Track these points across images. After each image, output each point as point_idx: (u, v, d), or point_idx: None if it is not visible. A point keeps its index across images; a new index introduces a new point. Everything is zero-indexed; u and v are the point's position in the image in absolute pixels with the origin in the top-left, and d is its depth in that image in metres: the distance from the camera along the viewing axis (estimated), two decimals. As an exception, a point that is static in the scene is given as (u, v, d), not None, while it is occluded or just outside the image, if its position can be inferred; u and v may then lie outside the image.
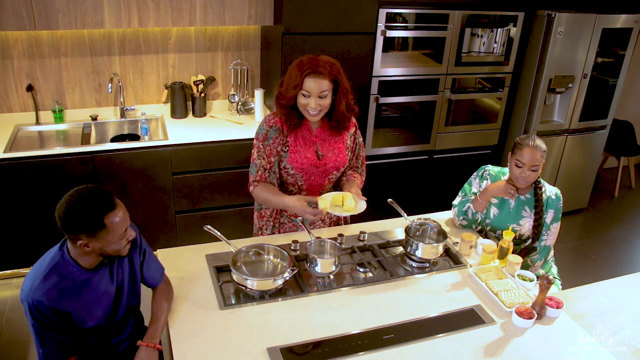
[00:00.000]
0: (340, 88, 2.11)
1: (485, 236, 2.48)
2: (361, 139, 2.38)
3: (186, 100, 3.64)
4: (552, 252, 2.50)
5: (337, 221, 2.50)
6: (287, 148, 2.19)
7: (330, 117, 2.21)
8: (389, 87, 3.63)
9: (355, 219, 2.58)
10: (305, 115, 2.13)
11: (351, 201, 2.11)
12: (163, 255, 2.17)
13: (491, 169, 2.50)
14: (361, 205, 2.12)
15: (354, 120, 2.33)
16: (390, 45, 3.52)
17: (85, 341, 1.79)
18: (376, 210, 2.84)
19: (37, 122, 3.43)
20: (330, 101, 2.11)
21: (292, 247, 2.20)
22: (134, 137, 3.55)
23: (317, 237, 2.16)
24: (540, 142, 2.30)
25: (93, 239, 1.59)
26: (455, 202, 2.54)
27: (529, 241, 2.43)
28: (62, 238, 1.71)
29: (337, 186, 2.37)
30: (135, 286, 1.89)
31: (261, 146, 2.18)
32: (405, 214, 2.36)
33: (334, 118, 2.20)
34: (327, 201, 2.09)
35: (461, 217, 2.48)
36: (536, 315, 1.89)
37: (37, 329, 1.65)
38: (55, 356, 1.69)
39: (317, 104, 2.06)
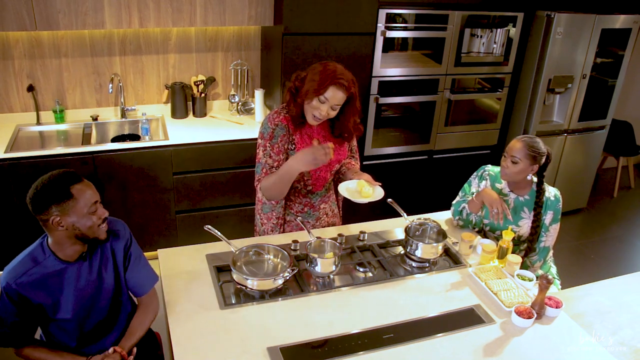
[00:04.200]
0: (351, 104, 2.17)
1: (485, 236, 2.49)
2: None
3: (186, 100, 3.65)
4: (551, 253, 2.51)
5: (337, 214, 2.53)
6: (294, 146, 2.21)
7: (334, 126, 2.26)
8: (389, 87, 3.64)
9: (356, 218, 2.59)
10: (308, 117, 2.16)
11: (368, 188, 2.17)
12: (163, 255, 2.17)
13: (491, 169, 2.51)
14: (379, 192, 2.18)
15: None
16: (390, 45, 3.52)
17: (63, 330, 1.81)
18: (376, 210, 2.84)
19: (38, 122, 3.43)
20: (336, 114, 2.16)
21: (292, 247, 2.21)
22: (135, 137, 3.55)
23: (317, 237, 2.16)
24: (531, 141, 2.29)
25: (63, 212, 1.61)
26: (453, 202, 2.55)
27: (528, 242, 2.43)
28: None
29: (336, 177, 2.42)
30: (120, 287, 1.88)
31: (268, 145, 2.19)
32: (405, 214, 2.37)
33: (339, 129, 2.26)
34: (357, 191, 2.19)
35: (457, 217, 2.50)
36: (535, 315, 1.90)
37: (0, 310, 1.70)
38: (7, 341, 1.71)
39: (327, 112, 2.11)
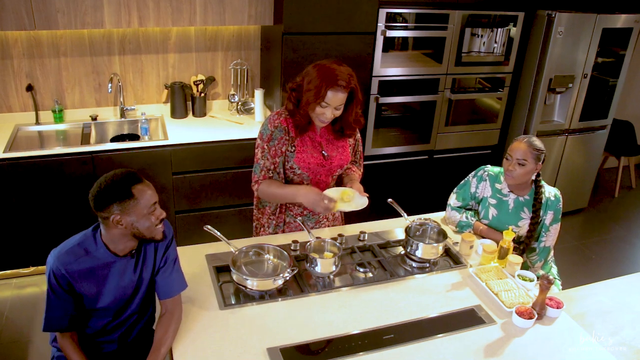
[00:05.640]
0: (354, 99, 2.15)
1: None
2: (359, 135, 2.40)
3: (186, 100, 3.64)
4: (551, 253, 2.50)
5: (338, 218, 2.52)
6: (294, 148, 2.19)
7: (334, 122, 2.23)
8: (389, 87, 3.63)
9: (356, 219, 2.58)
10: (315, 121, 2.16)
11: (357, 196, 2.15)
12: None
13: (491, 169, 2.50)
14: (362, 201, 2.15)
15: None
16: (390, 45, 3.52)
17: (84, 325, 1.82)
18: (376, 210, 2.84)
19: (37, 122, 3.43)
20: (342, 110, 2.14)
21: (292, 247, 2.20)
22: (134, 137, 3.54)
23: (317, 237, 2.15)
24: (533, 140, 2.30)
25: (124, 211, 1.64)
26: (451, 202, 2.54)
27: (526, 239, 2.42)
28: (74, 235, 1.76)
29: (338, 181, 2.39)
30: (152, 290, 1.89)
31: (266, 147, 2.17)
32: (405, 214, 2.36)
33: (340, 125, 2.24)
34: (338, 198, 2.13)
35: (457, 228, 2.49)
36: (536, 316, 1.89)
37: (49, 294, 1.72)
38: (55, 324, 1.74)
39: (333, 114, 2.10)
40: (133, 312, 1.88)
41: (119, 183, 1.65)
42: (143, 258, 1.82)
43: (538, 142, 2.30)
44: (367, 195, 2.17)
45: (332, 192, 2.18)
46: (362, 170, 2.45)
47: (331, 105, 2.06)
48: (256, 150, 2.22)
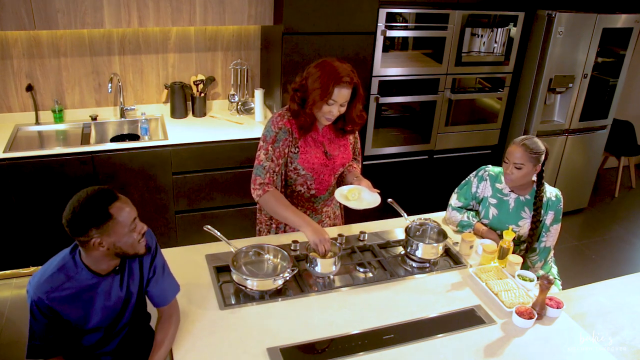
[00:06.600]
0: (357, 94, 2.15)
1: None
2: (357, 132, 2.40)
3: (186, 100, 3.64)
4: (552, 253, 2.50)
5: (338, 217, 2.52)
6: (297, 149, 2.19)
7: (336, 120, 2.22)
8: (389, 87, 3.63)
9: (356, 218, 2.58)
10: (321, 120, 2.16)
11: (367, 194, 2.18)
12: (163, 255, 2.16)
13: (491, 169, 2.50)
14: (375, 198, 2.16)
15: None
16: (390, 45, 3.52)
17: (78, 342, 1.78)
18: (376, 210, 2.83)
19: (37, 122, 3.42)
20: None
21: (292, 247, 2.20)
22: (134, 137, 3.54)
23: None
24: (531, 143, 2.26)
25: (104, 233, 1.56)
26: (452, 202, 2.54)
27: (528, 239, 2.42)
28: (69, 243, 1.70)
29: (339, 179, 2.40)
30: (142, 299, 1.85)
31: (270, 148, 2.16)
32: (405, 214, 2.36)
33: (342, 123, 2.23)
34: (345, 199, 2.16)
35: (458, 227, 2.49)
36: (536, 316, 1.89)
37: (31, 323, 1.65)
38: (38, 353, 1.67)
39: (338, 111, 2.11)
40: (126, 323, 1.83)
41: (94, 205, 1.54)
42: (128, 272, 1.75)
43: (536, 145, 2.27)
44: (378, 191, 2.18)
45: (346, 190, 2.20)
46: (360, 166, 2.46)
47: (337, 103, 2.07)
48: (258, 153, 2.20)
